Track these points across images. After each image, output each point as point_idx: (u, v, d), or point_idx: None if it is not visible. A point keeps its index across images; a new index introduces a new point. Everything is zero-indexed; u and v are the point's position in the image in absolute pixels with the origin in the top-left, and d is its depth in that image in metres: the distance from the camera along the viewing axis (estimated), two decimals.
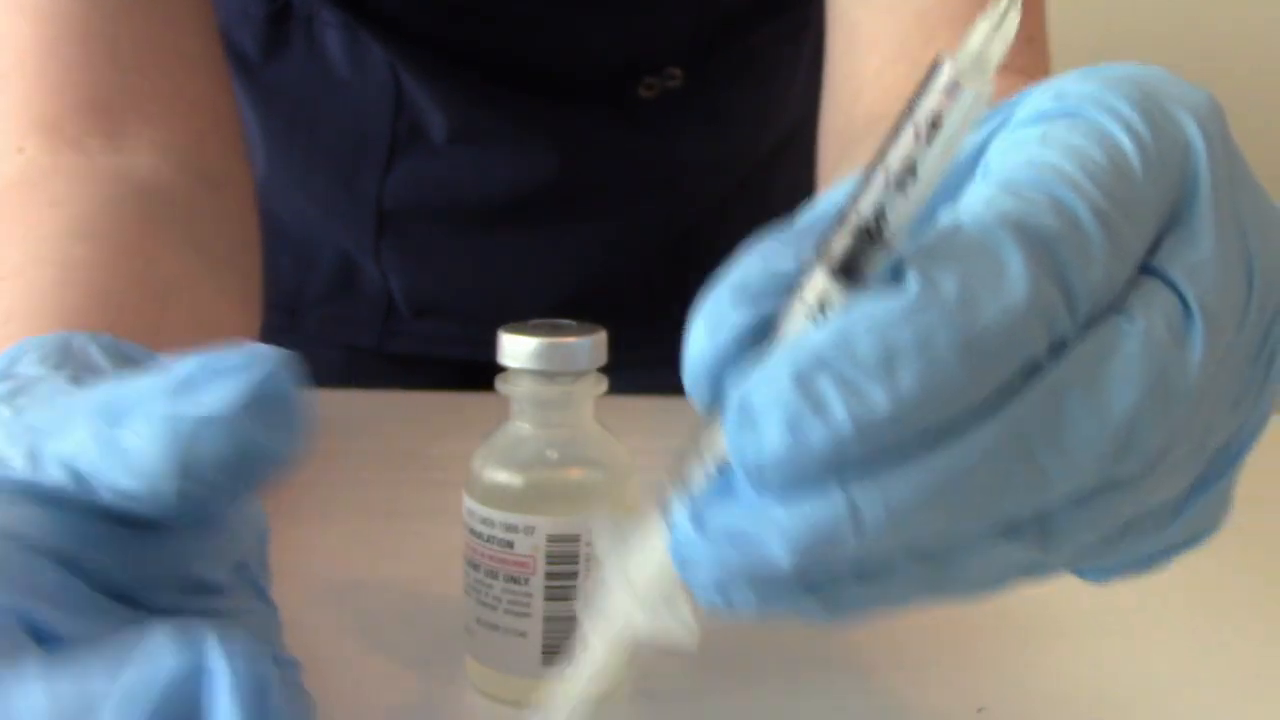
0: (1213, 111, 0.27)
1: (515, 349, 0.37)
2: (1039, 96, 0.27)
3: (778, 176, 0.75)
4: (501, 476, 0.37)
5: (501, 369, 0.37)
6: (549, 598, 0.37)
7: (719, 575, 0.23)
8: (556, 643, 0.37)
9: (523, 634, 0.37)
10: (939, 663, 0.41)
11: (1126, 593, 0.47)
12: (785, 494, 0.23)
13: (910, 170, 0.23)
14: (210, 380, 0.27)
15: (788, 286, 0.24)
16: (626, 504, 0.38)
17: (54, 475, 0.27)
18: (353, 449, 0.59)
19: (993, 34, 0.23)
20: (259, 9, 0.66)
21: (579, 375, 0.37)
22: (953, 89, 0.23)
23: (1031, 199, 0.24)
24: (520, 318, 0.38)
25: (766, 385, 0.23)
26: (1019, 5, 0.23)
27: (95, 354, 0.33)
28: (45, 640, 0.25)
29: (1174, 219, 0.26)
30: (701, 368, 0.24)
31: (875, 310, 0.23)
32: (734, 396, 0.23)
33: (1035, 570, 0.26)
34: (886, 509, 0.23)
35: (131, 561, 0.28)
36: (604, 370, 0.38)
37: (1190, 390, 0.25)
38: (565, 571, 0.37)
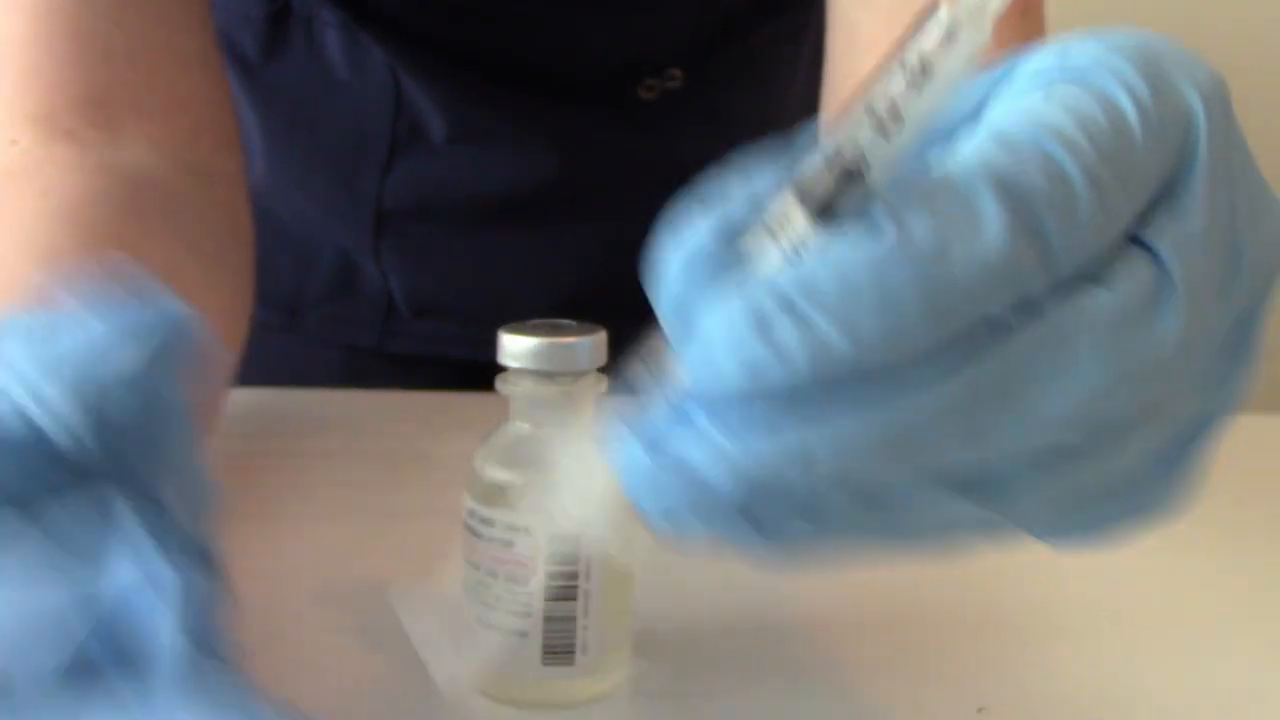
0: (1216, 85, 0.27)
1: (515, 349, 0.37)
2: (1044, 55, 0.26)
3: None
4: (501, 476, 0.37)
5: (501, 369, 0.37)
6: (549, 598, 0.37)
7: (666, 503, 0.24)
8: (556, 643, 0.37)
9: (523, 634, 0.37)
10: (939, 663, 0.41)
11: (1126, 593, 0.47)
12: (739, 430, 0.23)
13: (896, 115, 0.23)
14: (120, 341, 0.28)
15: (762, 213, 0.24)
16: (626, 504, 0.38)
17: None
18: (353, 449, 0.59)
19: None
20: (259, 10, 0.66)
21: (579, 375, 0.37)
22: (949, 36, 0.23)
23: (1021, 154, 0.24)
24: (520, 318, 0.38)
25: (728, 323, 0.23)
26: None
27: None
28: None
29: (1167, 189, 0.25)
30: (669, 291, 0.25)
31: (843, 253, 0.22)
32: (697, 329, 0.23)
33: (986, 528, 0.26)
34: (835, 452, 0.23)
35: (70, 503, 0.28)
36: (604, 370, 0.38)
37: (1159, 369, 0.24)
38: (565, 571, 0.37)
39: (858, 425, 0.23)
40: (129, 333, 0.28)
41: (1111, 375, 0.24)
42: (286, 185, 0.70)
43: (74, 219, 0.43)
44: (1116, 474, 0.26)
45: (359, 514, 0.52)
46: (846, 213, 0.23)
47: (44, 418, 0.27)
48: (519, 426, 0.38)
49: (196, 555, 0.28)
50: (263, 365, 0.74)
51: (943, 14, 0.23)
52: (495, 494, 0.37)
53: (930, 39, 0.23)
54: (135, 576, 0.23)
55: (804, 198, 0.23)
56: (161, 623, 0.23)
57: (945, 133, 0.26)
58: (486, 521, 0.37)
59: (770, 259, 0.23)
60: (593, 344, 0.37)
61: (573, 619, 0.37)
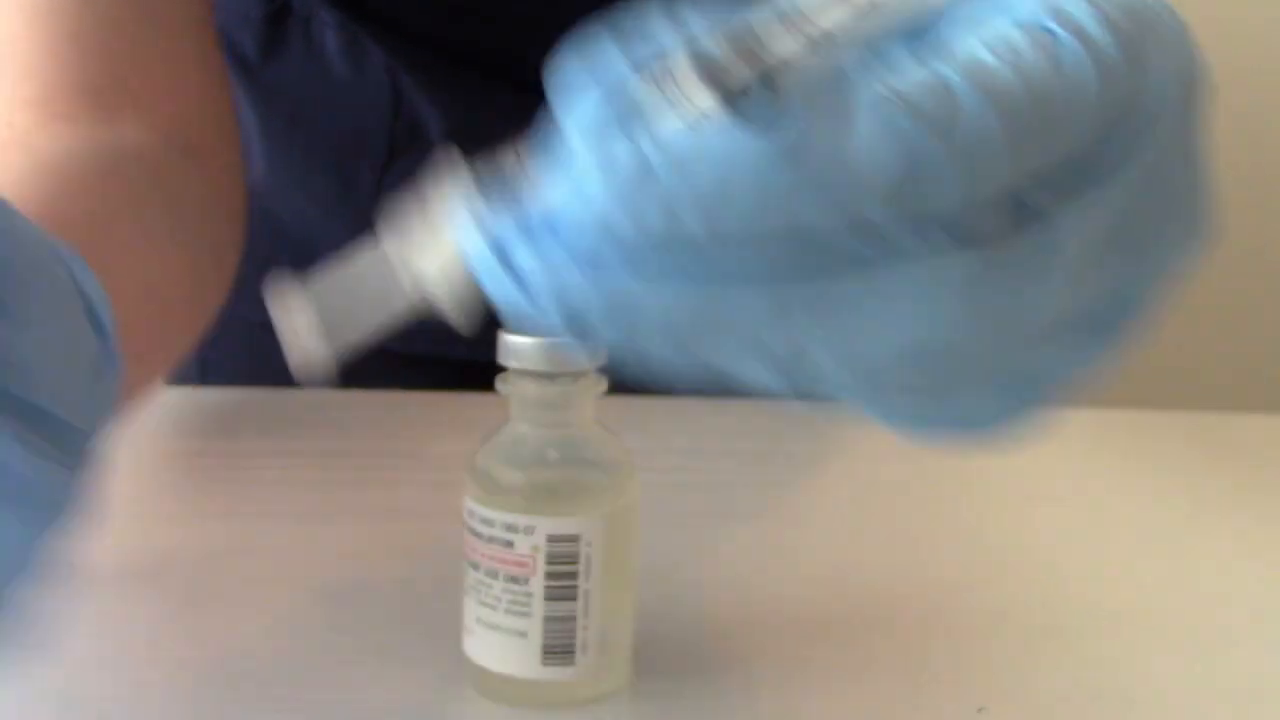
0: (1193, 75, 0.26)
1: (515, 349, 0.37)
2: None
3: None
4: (501, 476, 0.37)
5: (501, 369, 0.37)
6: (549, 598, 0.37)
7: (504, 298, 0.26)
8: (556, 643, 0.37)
9: (523, 634, 0.37)
10: (939, 663, 0.41)
11: (1126, 593, 0.47)
12: (580, 263, 0.24)
13: (829, 37, 0.23)
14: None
15: (673, 69, 0.24)
16: (626, 504, 0.38)
17: None
18: (353, 449, 0.59)
19: None
20: (258, 9, 0.66)
21: (579, 375, 0.37)
22: None
23: (933, 83, 0.23)
24: None
25: (613, 167, 0.24)
26: None
27: None
28: None
29: (1090, 161, 0.25)
30: (579, 115, 0.25)
31: (725, 143, 0.23)
32: (581, 156, 0.24)
33: (807, 394, 0.27)
34: (654, 312, 0.24)
35: None
36: (604, 370, 0.38)
37: (997, 330, 0.25)
38: (565, 571, 0.37)
39: (681, 298, 0.24)
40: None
41: (938, 336, 0.24)
42: (286, 185, 0.70)
43: (50, 170, 0.44)
44: (937, 405, 0.27)
45: (359, 514, 0.52)
46: (738, 93, 0.24)
47: None
48: (519, 426, 0.38)
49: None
50: (263, 366, 0.74)
51: None
52: (495, 494, 0.37)
53: None
54: None
55: (714, 79, 0.24)
56: None
57: (879, 40, 0.26)
58: (486, 521, 0.37)
59: (669, 119, 0.24)
60: None
61: (573, 619, 0.37)
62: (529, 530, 0.36)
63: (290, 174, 0.69)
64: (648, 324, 0.24)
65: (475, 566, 0.37)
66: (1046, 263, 0.24)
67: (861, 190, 0.23)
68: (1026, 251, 0.24)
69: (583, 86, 0.25)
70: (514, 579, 0.37)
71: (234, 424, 0.62)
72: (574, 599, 0.37)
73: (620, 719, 0.38)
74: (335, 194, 0.69)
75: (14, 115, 0.49)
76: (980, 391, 0.28)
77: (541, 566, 0.37)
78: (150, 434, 0.63)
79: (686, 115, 0.24)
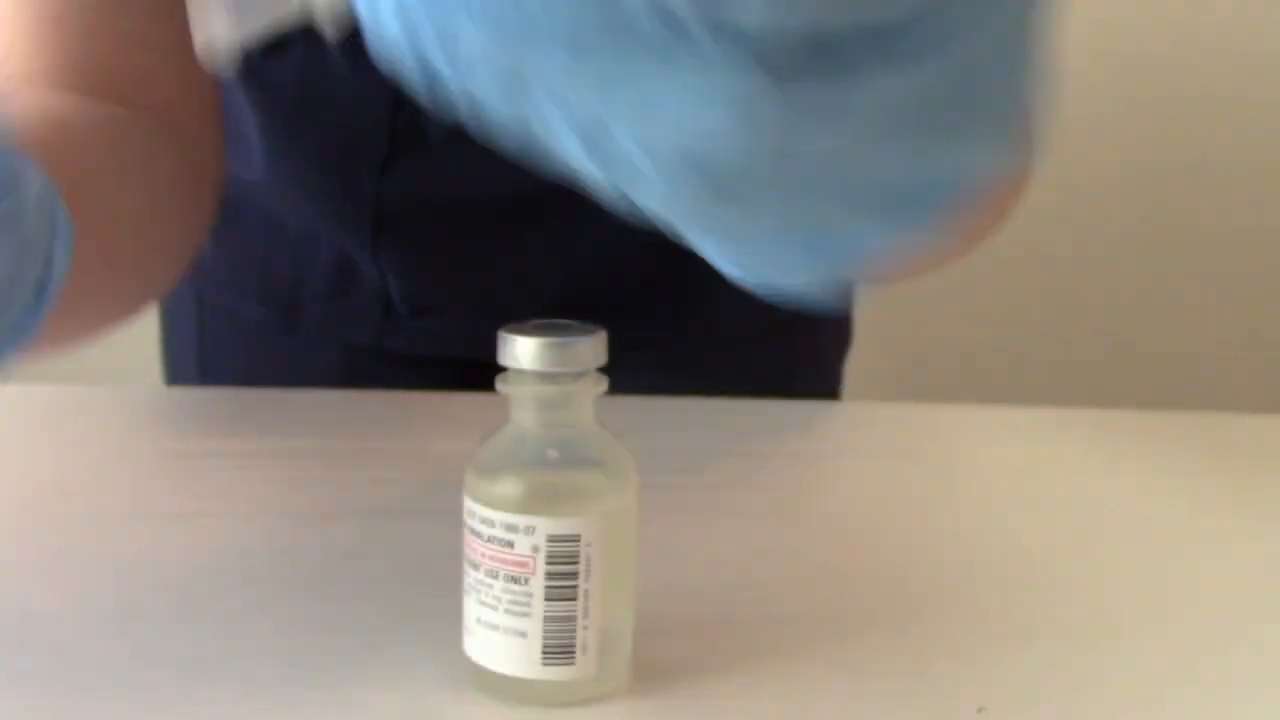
0: None
1: (515, 349, 0.37)
2: None
3: None
4: (502, 476, 0.37)
5: (501, 369, 0.37)
6: (549, 598, 0.37)
7: (363, 11, 0.26)
8: (556, 643, 0.37)
9: (523, 634, 0.37)
10: (939, 663, 0.41)
11: (1127, 593, 0.47)
12: None
13: None
14: None
15: None
16: (626, 504, 0.38)
17: None
18: (352, 449, 0.59)
19: None
20: None
21: (579, 375, 0.37)
22: None
23: None
24: (519, 317, 0.38)
25: None
26: None
27: None
28: None
29: (908, 24, 0.24)
30: None
31: None
32: None
33: (617, 181, 0.27)
34: (482, 51, 0.25)
35: None
36: (604, 370, 0.38)
37: (785, 171, 0.25)
38: (565, 571, 0.37)
39: (497, 37, 0.24)
40: None
41: (718, 143, 0.25)
42: (286, 183, 0.70)
43: (35, 111, 0.45)
44: (738, 245, 0.29)
45: (359, 514, 0.52)
46: None
47: None
48: (519, 426, 0.38)
49: None
50: (263, 365, 0.74)
51: None
52: (495, 494, 0.37)
53: None
54: None
55: None
56: None
57: None
58: (487, 521, 0.37)
59: None
60: (593, 344, 0.37)
61: (573, 619, 0.37)
62: (529, 530, 0.36)
63: (290, 172, 0.69)
64: (470, 58, 0.25)
65: (475, 566, 0.37)
66: (838, 113, 0.25)
67: None
68: (819, 95, 0.24)
69: None
70: (514, 579, 0.37)
71: (234, 424, 0.62)
72: (574, 599, 0.37)
73: (620, 719, 0.38)
74: (334, 192, 0.69)
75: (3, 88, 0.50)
76: (782, 240, 0.28)
77: (541, 566, 0.37)
78: (150, 434, 0.63)
79: None
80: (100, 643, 0.41)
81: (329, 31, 0.31)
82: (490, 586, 0.37)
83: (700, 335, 0.74)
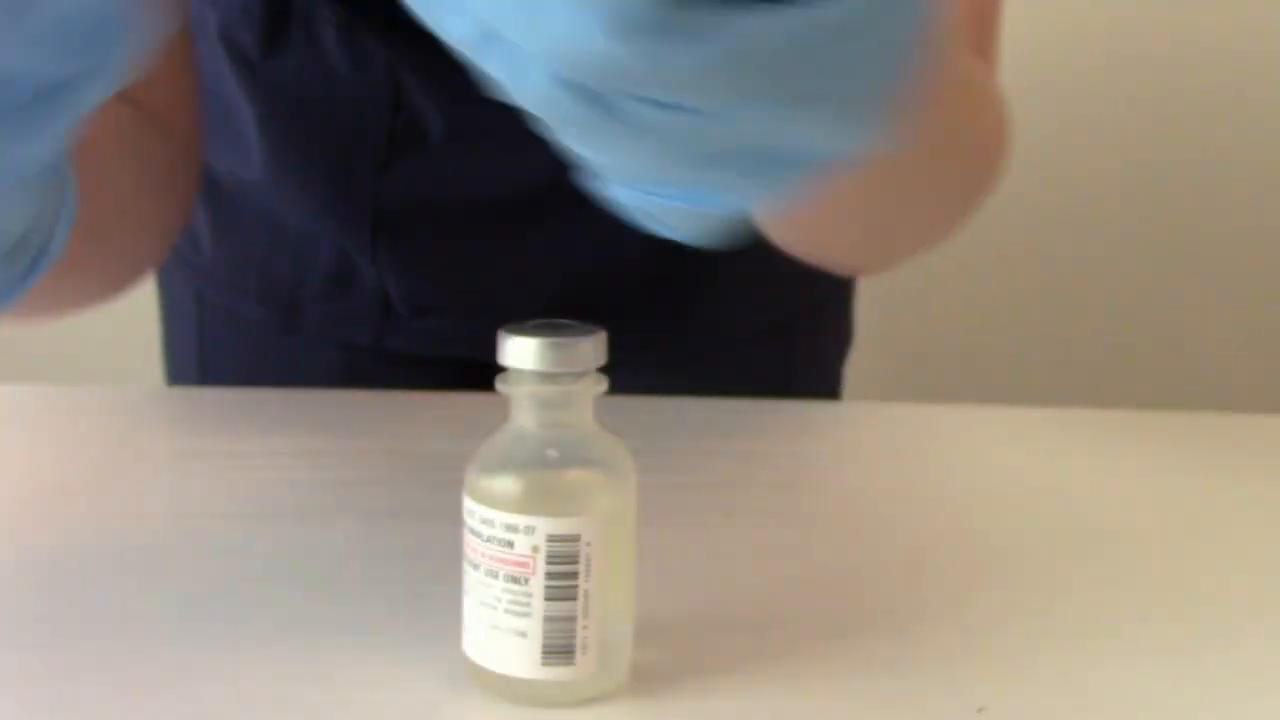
0: None
1: (516, 349, 0.37)
2: None
3: None
4: (501, 476, 0.37)
5: (501, 369, 0.37)
6: (549, 598, 0.37)
7: None
8: (556, 643, 0.37)
9: (523, 634, 0.37)
10: (939, 663, 0.41)
11: (1127, 593, 0.47)
12: None
13: None
14: None
15: None
16: (626, 504, 0.38)
17: None
18: (353, 449, 0.59)
19: None
20: (258, 6, 0.66)
21: (579, 375, 0.37)
22: None
23: None
24: (518, 317, 0.38)
25: None
26: None
27: None
28: None
29: None
30: None
31: None
32: None
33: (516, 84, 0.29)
34: None
35: None
36: (604, 370, 0.38)
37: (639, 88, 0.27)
38: (565, 571, 0.37)
39: None
40: None
41: (581, 48, 0.26)
42: (285, 183, 0.70)
43: None
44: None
45: (359, 514, 0.52)
46: None
47: None
48: (519, 426, 0.38)
49: None
50: (263, 365, 0.74)
51: None
52: (495, 494, 0.37)
53: None
54: None
55: None
56: None
57: None
58: (487, 521, 0.37)
59: None
60: (593, 344, 0.37)
61: (573, 619, 0.37)
62: (529, 530, 0.36)
63: (289, 171, 0.69)
64: None
65: (475, 566, 0.37)
66: (710, 40, 0.26)
67: None
68: (694, 18, 0.26)
69: None
70: (514, 579, 0.37)
71: (234, 424, 0.62)
72: (574, 599, 0.37)
73: (620, 719, 0.38)
74: (334, 191, 0.69)
75: None
76: (662, 165, 0.30)
77: (541, 566, 0.37)
78: (150, 434, 0.63)
79: None
80: (100, 643, 0.41)
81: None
82: (490, 586, 0.37)
83: (700, 335, 0.74)
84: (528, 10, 0.26)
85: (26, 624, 0.42)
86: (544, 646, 0.37)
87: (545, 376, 0.37)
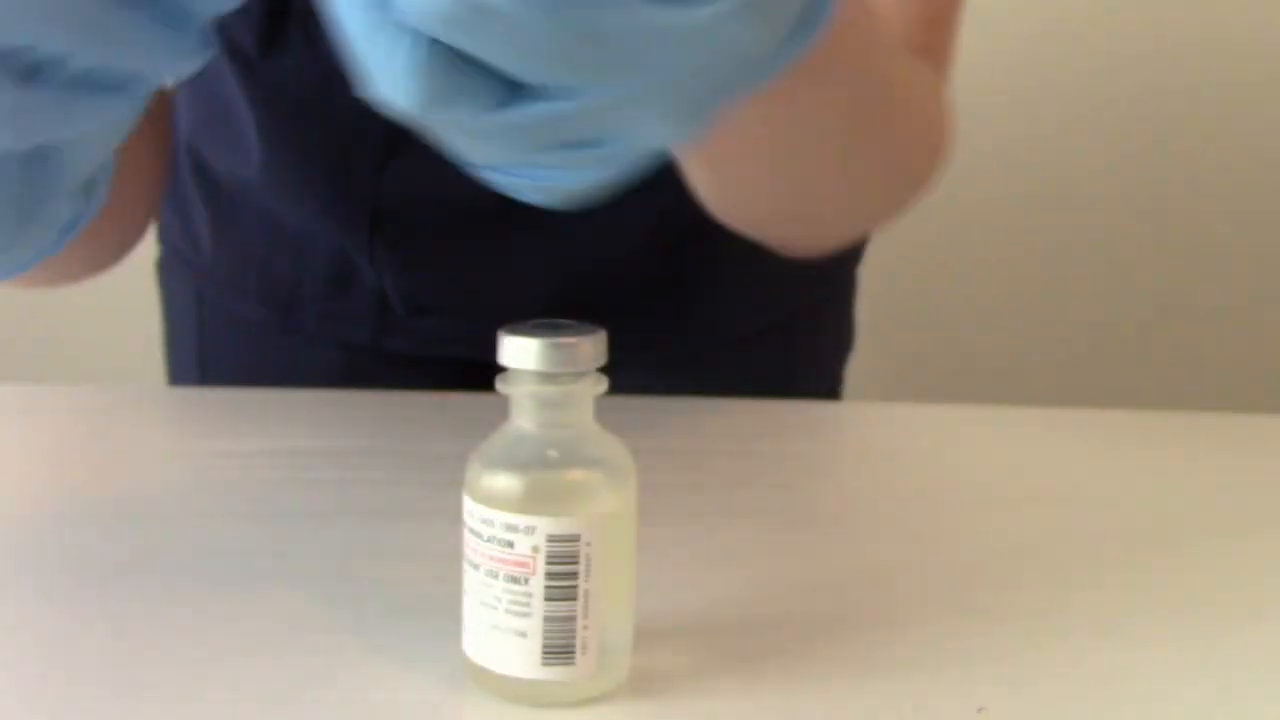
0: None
1: (516, 349, 0.37)
2: None
3: None
4: (501, 476, 0.37)
5: (501, 369, 0.37)
6: (549, 598, 0.37)
7: None
8: (556, 643, 0.37)
9: (523, 634, 0.37)
10: (939, 663, 0.41)
11: (1127, 593, 0.47)
12: None
13: None
14: None
15: None
16: (626, 504, 0.38)
17: None
18: (352, 449, 0.59)
19: None
20: (257, 5, 0.66)
21: (579, 375, 0.37)
22: None
23: None
24: (515, 317, 0.38)
25: None
26: None
27: None
28: None
29: None
30: None
31: None
32: None
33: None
34: None
35: None
36: (604, 370, 0.38)
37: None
38: (565, 571, 0.37)
39: None
40: None
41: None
42: (284, 182, 0.70)
43: None
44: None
45: (359, 514, 0.52)
46: None
47: None
48: (519, 426, 0.38)
49: None
50: (262, 365, 0.74)
51: None
52: (495, 494, 0.37)
53: None
54: None
55: None
56: None
57: None
58: (487, 521, 0.37)
59: None
60: (593, 344, 0.37)
61: (573, 619, 0.37)
62: (529, 530, 0.36)
63: (288, 170, 0.69)
64: None
65: (475, 566, 0.37)
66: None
67: None
68: None
69: None
70: (514, 579, 0.37)
71: (234, 424, 0.62)
72: (574, 599, 0.37)
73: (620, 719, 0.38)
74: (333, 190, 0.69)
75: None
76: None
77: (541, 566, 0.37)
78: (150, 434, 0.63)
79: None
80: (100, 642, 0.41)
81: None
82: (490, 586, 0.37)
83: (700, 335, 0.74)
84: None
85: (26, 623, 0.42)
86: (544, 646, 0.37)
87: (545, 376, 0.37)
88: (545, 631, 0.37)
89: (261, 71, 0.67)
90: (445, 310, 0.72)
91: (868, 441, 0.65)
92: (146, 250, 0.77)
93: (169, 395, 0.73)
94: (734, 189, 0.52)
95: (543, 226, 0.69)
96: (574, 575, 0.37)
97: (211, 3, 0.34)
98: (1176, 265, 1.44)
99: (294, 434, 0.60)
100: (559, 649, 0.37)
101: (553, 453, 0.37)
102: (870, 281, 0.84)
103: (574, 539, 0.36)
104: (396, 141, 0.67)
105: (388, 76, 0.29)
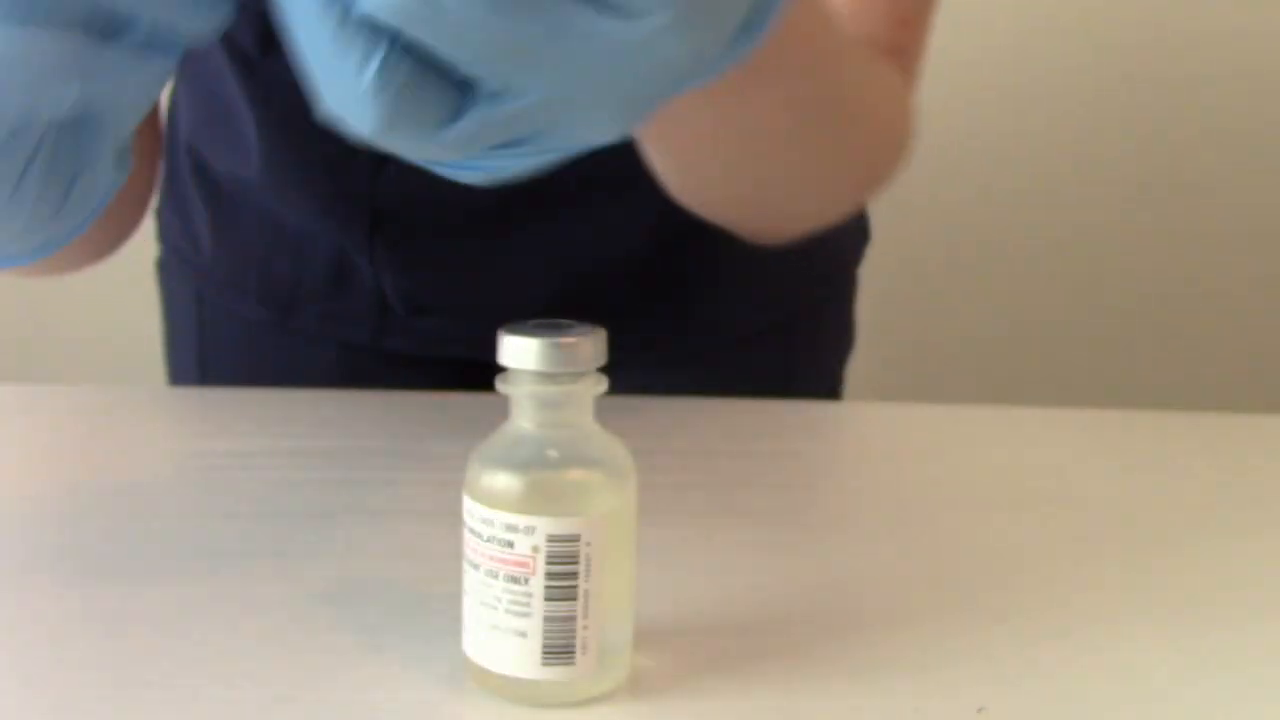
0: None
1: (516, 349, 0.37)
2: None
3: None
4: (501, 476, 0.37)
5: (501, 369, 0.37)
6: (549, 598, 0.37)
7: None
8: (556, 643, 0.37)
9: (523, 634, 0.37)
10: (939, 663, 0.41)
11: (1127, 593, 0.47)
12: None
13: None
14: None
15: None
16: (626, 504, 0.38)
17: None
18: (352, 449, 0.59)
19: None
20: (257, 5, 0.66)
21: (579, 375, 0.37)
22: None
23: None
24: (514, 316, 0.38)
25: None
26: None
27: None
28: None
29: None
30: None
31: None
32: None
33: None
34: None
35: None
36: (604, 370, 0.38)
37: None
38: (565, 571, 0.37)
39: None
40: None
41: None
42: (283, 182, 0.70)
43: None
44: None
45: (359, 514, 0.52)
46: None
47: None
48: (519, 426, 0.38)
49: None
50: (262, 365, 0.74)
51: None
52: (495, 494, 0.37)
53: None
54: None
55: None
56: None
57: None
58: (486, 521, 0.37)
59: None
60: (593, 344, 0.37)
61: (573, 619, 0.37)
62: (529, 530, 0.36)
63: (288, 170, 0.69)
64: None
65: (475, 566, 0.37)
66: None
67: None
68: None
69: None
70: (514, 579, 0.37)
71: (234, 424, 0.62)
72: (574, 599, 0.37)
73: (620, 719, 0.38)
74: (333, 190, 0.69)
75: None
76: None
77: (541, 566, 0.37)
78: (150, 434, 0.63)
79: None
80: (100, 642, 0.41)
81: None
82: (490, 586, 0.37)
83: (700, 335, 0.74)
84: None
85: (26, 623, 0.42)
86: (544, 646, 0.37)
87: (545, 376, 0.37)
88: (545, 631, 0.37)
89: (261, 71, 0.67)
90: (445, 310, 0.72)
91: (868, 441, 0.65)
92: (146, 250, 0.77)
93: (169, 395, 0.73)
94: (688, 175, 0.53)
95: (542, 227, 0.69)
96: (574, 575, 0.37)
97: None
98: (1177, 265, 1.44)
99: (294, 434, 0.60)
100: (559, 649, 0.37)
101: (553, 453, 0.37)
102: (870, 281, 0.84)
103: (574, 539, 0.36)
104: None
105: (347, 94, 0.30)
